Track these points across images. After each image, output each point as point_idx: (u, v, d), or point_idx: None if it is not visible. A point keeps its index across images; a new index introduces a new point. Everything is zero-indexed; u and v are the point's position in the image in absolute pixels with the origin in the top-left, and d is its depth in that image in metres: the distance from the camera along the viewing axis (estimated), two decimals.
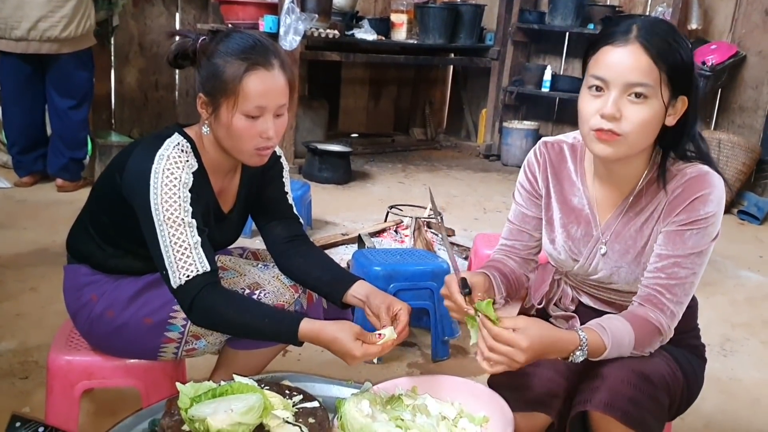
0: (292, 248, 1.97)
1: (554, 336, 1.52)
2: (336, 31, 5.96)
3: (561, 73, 7.28)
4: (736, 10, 6.24)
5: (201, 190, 1.76)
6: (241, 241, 2.11)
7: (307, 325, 1.66)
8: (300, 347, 1.73)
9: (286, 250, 1.97)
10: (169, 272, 1.69)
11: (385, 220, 4.42)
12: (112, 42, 6.07)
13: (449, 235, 4.41)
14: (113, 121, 6.37)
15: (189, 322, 1.78)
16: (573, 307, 1.83)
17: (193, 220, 1.71)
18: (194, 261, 1.69)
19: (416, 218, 4.16)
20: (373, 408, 1.59)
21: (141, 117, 6.50)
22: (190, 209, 1.71)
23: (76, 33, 4.56)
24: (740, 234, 5.29)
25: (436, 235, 4.25)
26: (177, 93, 6.72)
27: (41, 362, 2.54)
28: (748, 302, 3.92)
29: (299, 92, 6.50)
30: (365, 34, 6.36)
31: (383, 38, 6.60)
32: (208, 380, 1.62)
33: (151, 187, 1.68)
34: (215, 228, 1.85)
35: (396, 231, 4.28)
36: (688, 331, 1.77)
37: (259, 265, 1.97)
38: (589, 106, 1.54)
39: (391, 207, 4.46)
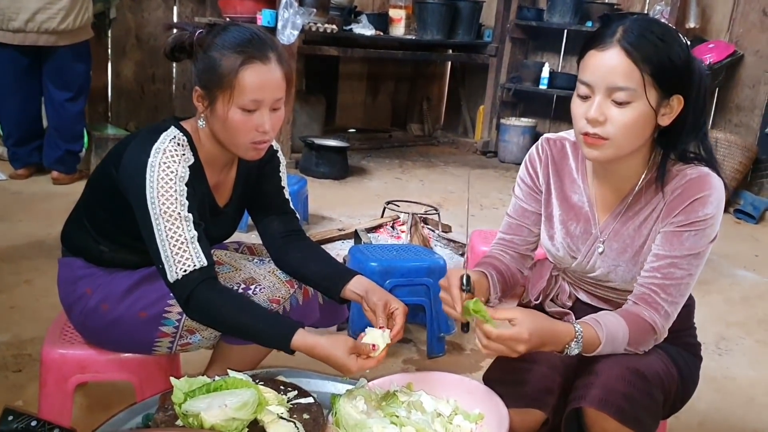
0: (288, 243, 1.97)
1: (551, 327, 1.53)
2: (334, 26, 5.95)
3: (559, 70, 7.28)
4: (734, 10, 6.24)
5: (197, 184, 1.75)
6: (237, 236, 2.10)
7: (300, 338, 1.63)
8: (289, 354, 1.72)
9: (283, 245, 1.96)
10: (166, 266, 1.68)
11: (382, 216, 4.42)
12: (109, 34, 6.06)
13: (445, 231, 4.41)
14: (110, 113, 6.36)
15: (184, 316, 1.78)
16: (570, 304, 1.83)
17: (190, 215, 1.70)
18: (191, 255, 1.68)
19: (413, 214, 4.16)
20: (368, 404, 1.59)
21: (138, 110, 6.49)
22: (187, 203, 1.70)
23: (74, 25, 4.55)
24: (736, 233, 5.30)
25: (433, 231, 4.25)
26: (174, 86, 6.70)
27: (35, 355, 2.53)
28: (743, 301, 3.92)
29: (296, 87, 6.50)
30: (363, 29, 6.35)
31: (381, 33, 6.59)
32: (203, 375, 1.61)
33: (148, 181, 1.67)
34: (211, 222, 1.84)
35: (392, 227, 4.28)
36: (684, 330, 1.77)
37: (255, 260, 1.96)
38: (577, 110, 1.56)
39: (388, 203, 4.46)
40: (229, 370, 1.61)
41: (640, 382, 1.56)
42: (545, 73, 6.99)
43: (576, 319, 1.76)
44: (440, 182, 6.08)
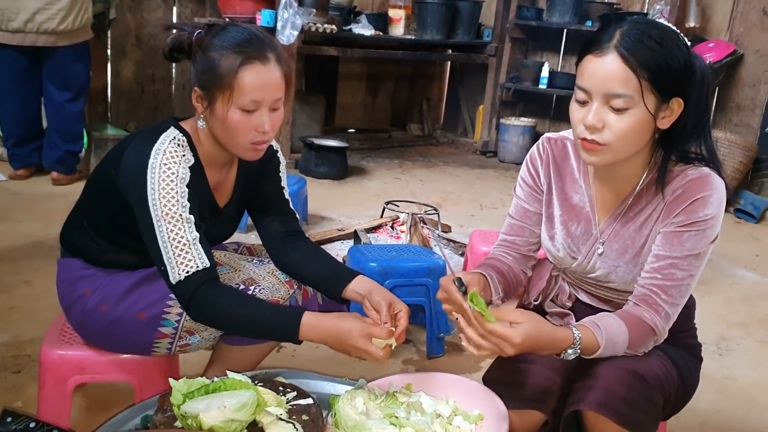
0: (288, 243, 1.96)
1: (549, 334, 1.52)
2: (333, 26, 5.94)
3: (558, 70, 7.28)
4: (734, 9, 6.24)
5: (197, 185, 1.75)
6: (236, 236, 2.10)
7: (308, 320, 1.64)
8: (296, 344, 1.72)
9: (283, 246, 1.96)
10: (168, 268, 1.67)
11: (381, 216, 4.42)
12: (109, 35, 6.05)
13: (445, 231, 4.40)
14: (109, 114, 6.36)
15: (183, 317, 1.77)
16: (570, 304, 1.83)
17: (191, 216, 1.70)
18: (193, 257, 1.68)
19: (412, 214, 4.16)
20: (368, 405, 1.59)
21: (137, 110, 6.49)
22: (188, 204, 1.69)
23: (74, 26, 4.55)
24: (736, 232, 5.29)
25: (432, 231, 4.25)
26: (173, 86, 6.70)
27: (34, 356, 2.53)
28: (743, 301, 3.92)
29: (296, 87, 6.50)
30: (363, 29, 6.35)
31: (381, 33, 6.58)
32: (202, 376, 1.61)
33: (149, 183, 1.67)
34: (211, 223, 1.84)
35: (392, 227, 4.27)
36: (684, 331, 1.76)
37: (254, 261, 1.96)
38: (575, 114, 1.55)
39: (388, 203, 4.46)
40: (228, 371, 1.60)
41: (640, 384, 1.56)
42: (545, 72, 6.99)
43: (576, 320, 1.76)
44: (440, 182, 6.08)
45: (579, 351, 1.53)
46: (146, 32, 6.33)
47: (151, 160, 1.68)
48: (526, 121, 7.26)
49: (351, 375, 1.79)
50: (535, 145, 1.83)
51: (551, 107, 7.52)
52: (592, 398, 1.54)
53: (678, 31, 1.53)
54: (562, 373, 1.70)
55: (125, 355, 1.89)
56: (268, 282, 1.86)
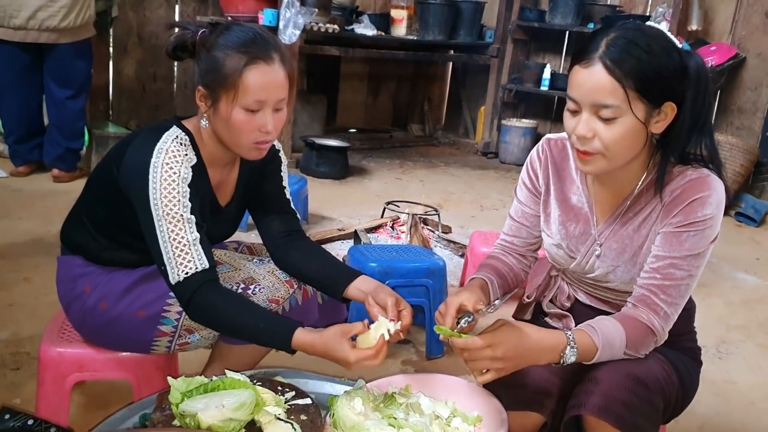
0: (289, 243, 1.96)
1: (533, 338, 1.53)
2: (335, 26, 5.94)
3: (560, 71, 7.26)
4: (737, 12, 6.23)
5: (199, 184, 1.75)
6: (237, 235, 2.10)
7: (299, 337, 1.63)
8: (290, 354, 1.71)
9: (284, 245, 1.96)
10: (168, 268, 1.67)
11: (382, 216, 4.42)
12: (111, 33, 6.05)
13: (446, 232, 4.40)
14: (111, 112, 6.36)
15: (182, 315, 1.77)
16: (569, 305, 1.83)
17: (192, 216, 1.70)
18: (193, 258, 1.68)
19: (413, 215, 4.15)
20: (366, 406, 1.58)
21: (138, 108, 6.49)
22: (189, 205, 1.69)
23: (75, 23, 4.55)
24: (737, 236, 5.29)
25: (433, 231, 4.25)
26: (175, 85, 6.70)
27: (33, 353, 2.53)
28: (743, 304, 3.91)
29: (298, 86, 6.49)
30: (365, 29, 6.35)
31: (383, 34, 6.58)
32: (201, 375, 1.61)
33: (150, 182, 1.67)
34: (212, 221, 1.84)
35: (392, 227, 4.27)
36: (684, 334, 1.76)
37: (255, 260, 1.96)
38: (568, 123, 1.56)
39: (388, 203, 4.46)
40: (226, 371, 1.60)
41: (641, 389, 1.55)
42: (547, 74, 6.98)
43: (575, 320, 1.77)
44: (440, 183, 6.07)
45: (577, 350, 1.52)
46: (148, 30, 6.33)
47: (153, 159, 1.68)
48: (527, 122, 7.26)
49: (350, 375, 1.79)
50: (535, 147, 1.83)
51: (553, 109, 7.51)
52: (592, 403, 1.54)
53: (668, 34, 1.52)
54: (561, 375, 1.70)
55: (124, 353, 1.89)
56: (268, 281, 1.86)
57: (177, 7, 6.48)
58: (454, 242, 4.19)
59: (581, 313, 1.78)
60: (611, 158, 1.54)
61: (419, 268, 2.83)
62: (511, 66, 7.27)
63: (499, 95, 7.33)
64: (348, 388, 1.68)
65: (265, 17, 5.56)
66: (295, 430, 1.48)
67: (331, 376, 1.79)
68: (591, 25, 6.65)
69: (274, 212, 2.00)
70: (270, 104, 1.70)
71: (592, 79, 1.47)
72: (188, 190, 1.70)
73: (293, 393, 1.61)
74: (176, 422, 1.45)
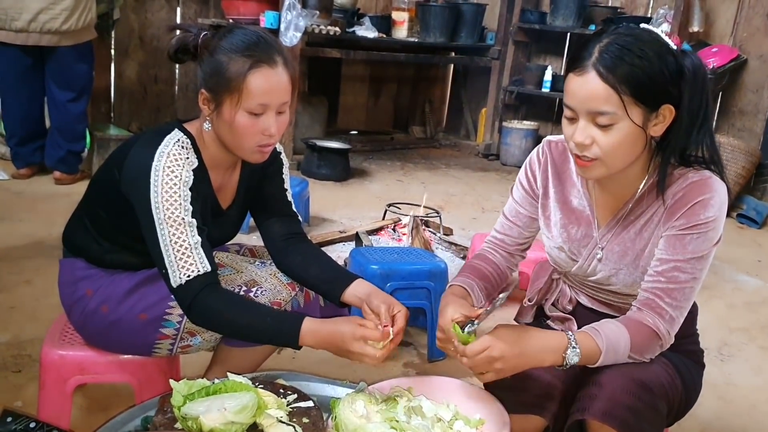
0: (290, 245, 1.96)
1: (532, 338, 1.53)
2: (337, 28, 5.95)
3: (561, 73, 7.25)
4: (738, 14, 6.23)
5: (200, 187, 1.75)
6: (238, 238, 2.10)
7: (307, 326, 1.64)
8: (296, 350, 1.71)
9: (285, 248, 1.96)
10: (169, 272, 1.67)
11: (383, 218, 4.41)
12: (113, 35, 6.06)
13: (447, 234, 4.40)
14: (112, 114, 6.36)
15: (184, 318, 1.77)
16: (571, 308, 1.83)
17: (194, 220, 1.69)
18: (194, 261, 1.67)
19: (414, 217, 4.15)
20: (368, 408, 1.58)
21: (140, 111, 6.49)
22: (191, 208, 1.69)
23: (77, 26, 4.55)
24: (739, 238, 5.28)
25: (434, 234, 4.24)
26: (176, 87, 6.71)
27: (35, 356, 2.53)
28: (746, 307, 3.91)
29: (299, 88, 6.49)
30: (366, 31, 6.35)
31: (384, 36, 6.59)
32: (202, 377, 1.61)
33: (152, 185, 1.67)
34: (213, 224, 1.84)
35: (394, 229, 4.27)
36: (686, 337, 1.75)
37: (256, 263, 1.96)
38: (566, 130, 1.57)
39: (390, 205, 4.45)
40: (228, 373, 1.60)
41: (645, 394, 1.55)
42: (548, 76, 6.99)
43: (577, 323, 1.76)
44: (442, 185, 6.07)
45: (579, 351, 1.52)
46: (150, 33, 6.34)
47: (154, 163, 1.68)
48: (528, 124, 7.26)
49: (352, 378, 1.79)
50: (535, 149, 1.83)
51: (554, 111, 7.52)
52: (596, 408, 1.53)
53: (663, 37, 1.51)
54: (564, 378, 1.70)
55: (126, 356, 1.88)
56: (270, 284, 1.86)
57: (178, 10, 6.49)
58: (456, 244, 4.18)
59: (583, 316, 1.78)
60: (610, 164, 1.54)
61: (421, 271, 2.82)
62: (512, 68, 7.28)
63: (500, 97, 7.33)
64: (350, 390, 1.68)
65: (266, 19, 5.57)
66: None
67: (333, 379, 1.79)
68: (592, 27, 6.65)
69: (275, 215, 1.99)
70: (273, 107, 1.70)
71: (587, 87, 1.47)
72: (189, 193, 1.70)
73: (295, 396, 1.61)
74: (178, 425, 1.45)
